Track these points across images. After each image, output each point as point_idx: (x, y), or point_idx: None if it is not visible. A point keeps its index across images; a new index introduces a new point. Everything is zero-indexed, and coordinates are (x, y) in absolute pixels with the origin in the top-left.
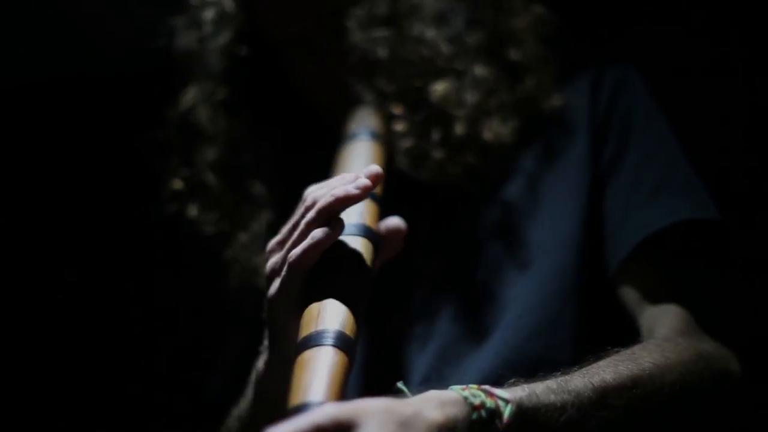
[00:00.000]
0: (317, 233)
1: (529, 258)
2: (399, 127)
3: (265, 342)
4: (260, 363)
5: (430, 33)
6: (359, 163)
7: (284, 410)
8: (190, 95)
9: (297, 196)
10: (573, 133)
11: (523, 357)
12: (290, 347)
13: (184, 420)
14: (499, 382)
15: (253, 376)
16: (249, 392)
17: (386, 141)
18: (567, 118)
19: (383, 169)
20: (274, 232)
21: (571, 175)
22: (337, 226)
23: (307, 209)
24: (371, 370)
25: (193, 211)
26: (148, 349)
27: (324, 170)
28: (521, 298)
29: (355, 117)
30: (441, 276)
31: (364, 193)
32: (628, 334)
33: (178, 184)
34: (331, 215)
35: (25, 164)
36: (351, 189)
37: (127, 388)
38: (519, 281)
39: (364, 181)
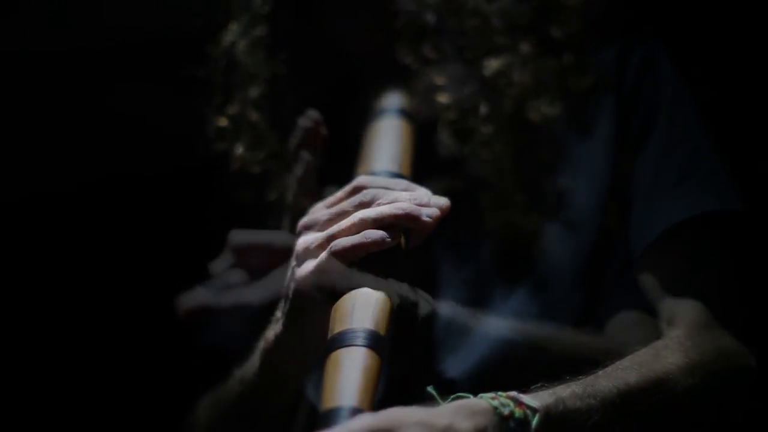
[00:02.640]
0: (373, 234)
1: (546, 240)
2: (443, 98)
3: (278, 314)
4: (270, 334)
5: (484, 5)
6: (390, 143)
7: (318, 411)
8: (232, 33)
9: (343, 144)
10: (598, 112)
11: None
12: (307, 328)
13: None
14: (501, 368)
15: (261, 345)
16: (255, 359)
17: (422, 115)
18: (593, 96)
19: (411, 146)
20: (320, 177)
21: (595, 158)
22: (395, 237)
23: (363, 204)
24: None
25: (239, 149)
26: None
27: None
28: (534, 279)
29: (384, 93)
30: (457, 253)
31: (433, 225)
32: None
33: (223, 121)
34: (391, 225)
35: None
36: (424, 216)
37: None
38: (537, 262)
39: (436, 212)
